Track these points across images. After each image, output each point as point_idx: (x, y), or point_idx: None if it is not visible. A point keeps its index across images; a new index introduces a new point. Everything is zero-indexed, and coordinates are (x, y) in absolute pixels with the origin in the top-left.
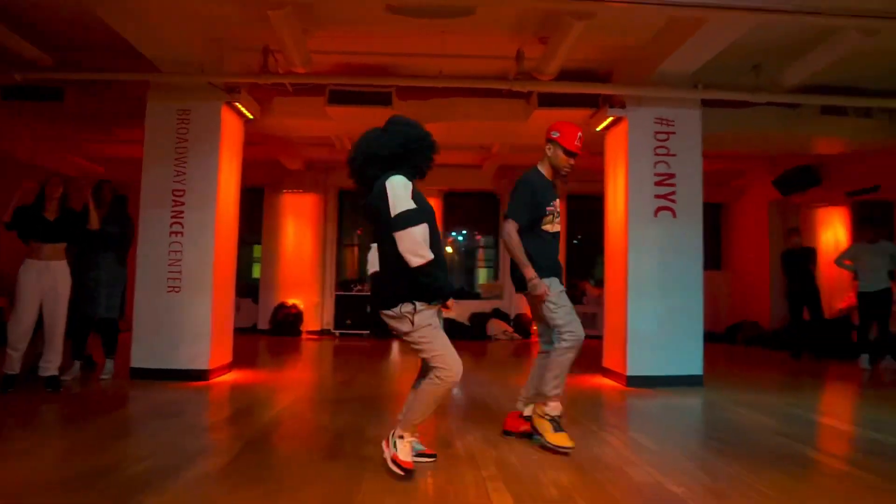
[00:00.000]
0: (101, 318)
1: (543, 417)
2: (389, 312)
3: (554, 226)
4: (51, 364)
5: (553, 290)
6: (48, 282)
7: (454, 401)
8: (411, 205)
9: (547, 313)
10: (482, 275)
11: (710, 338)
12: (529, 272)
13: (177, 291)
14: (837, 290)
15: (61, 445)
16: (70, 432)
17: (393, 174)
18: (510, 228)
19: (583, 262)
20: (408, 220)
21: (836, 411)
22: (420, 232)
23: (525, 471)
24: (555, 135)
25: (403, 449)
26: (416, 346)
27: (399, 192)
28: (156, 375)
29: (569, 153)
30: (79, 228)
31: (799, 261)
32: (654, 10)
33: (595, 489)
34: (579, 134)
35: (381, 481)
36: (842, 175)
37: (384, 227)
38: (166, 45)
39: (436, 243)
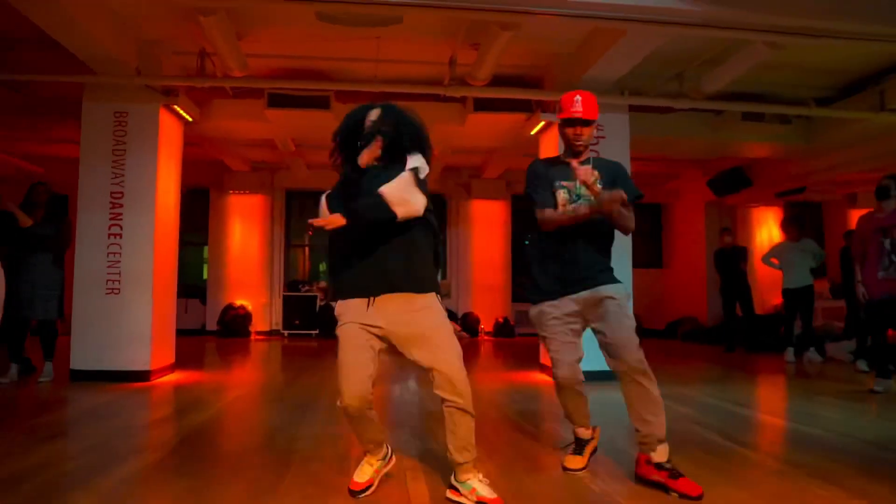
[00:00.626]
0: (38, 320)
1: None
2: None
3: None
4: None
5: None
6: None
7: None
8: None
9: None
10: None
11: (651, 333)
12: (582, 210)
13: (116, 293)
14: (771, 287)
15: (7, 440)
16: (18, 426)
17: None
18: (539, 215)
19: (526, 265)
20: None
21: (754, 401)
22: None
23: (445, 463)
24: (557, 113)
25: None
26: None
27: None
28: (96, 377)
29: (567, 122)
30: (6, 229)
31: (730, 259)
32: (575, 22)
33: (506, 475)
34: (576, 97)
35: (305, 474)
36: (771, 176)
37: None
38: (98, 45)
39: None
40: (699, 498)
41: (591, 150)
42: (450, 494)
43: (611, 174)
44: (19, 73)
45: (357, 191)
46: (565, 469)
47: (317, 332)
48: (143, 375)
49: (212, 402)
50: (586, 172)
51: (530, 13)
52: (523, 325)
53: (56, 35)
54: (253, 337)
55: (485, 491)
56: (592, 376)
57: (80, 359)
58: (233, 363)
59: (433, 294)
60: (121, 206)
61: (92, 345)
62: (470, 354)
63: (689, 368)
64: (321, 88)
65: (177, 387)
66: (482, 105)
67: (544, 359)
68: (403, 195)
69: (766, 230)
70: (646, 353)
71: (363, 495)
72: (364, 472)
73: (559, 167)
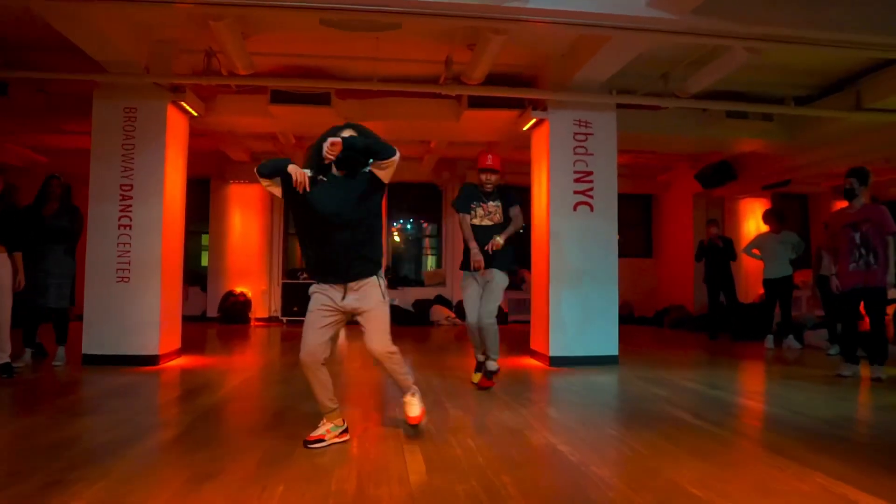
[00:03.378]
0: (51, 307)
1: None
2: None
3: (483, 220)
4: (2, 353)
5: (463, 281)
6: None
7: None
8: None
9: None
10: (429, 262)
11: (640, 321)
12: (471, 244)
13: (126, 281)
14: (757, 277)
15: (24, 423)
16: (30, 412)
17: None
18: (459, 218)
19: (522, 251)
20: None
21: (729, 385)
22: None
23: (438, 436)
24: (476, 162)
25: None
26: None
27: None
28: (107, 361)
29: (480, 170)
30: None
31: (715, 250)
32: (563, 29)
33: (496, 450)
34: (489, 155)
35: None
36: (757, 170)
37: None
38: (113, 48)
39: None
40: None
41: (580, 146)
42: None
43: (504, 201)
44: (38, 72)
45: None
46: (474, 384)
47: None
48: (151, 360)
49: (221, 384)
50: (494, 244)
51: (520, 21)
52: (515, 312)
53: (77, 40)
54: (253, 323)
55: (412, 410)
56: (577, 361)
57: (92, 344)
58: (235, 348)
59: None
60: (130, 198)
61: (103, 330)
62: (464, 340)
63: (674, 355)
64: (322, 87)
65: (185, 370)
66: (476, 102)
67: (535, 344)
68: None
69: (754, 221)
70: (636, 339)
71: (312, 446)
72: (318, 430)
73: (472, 194)
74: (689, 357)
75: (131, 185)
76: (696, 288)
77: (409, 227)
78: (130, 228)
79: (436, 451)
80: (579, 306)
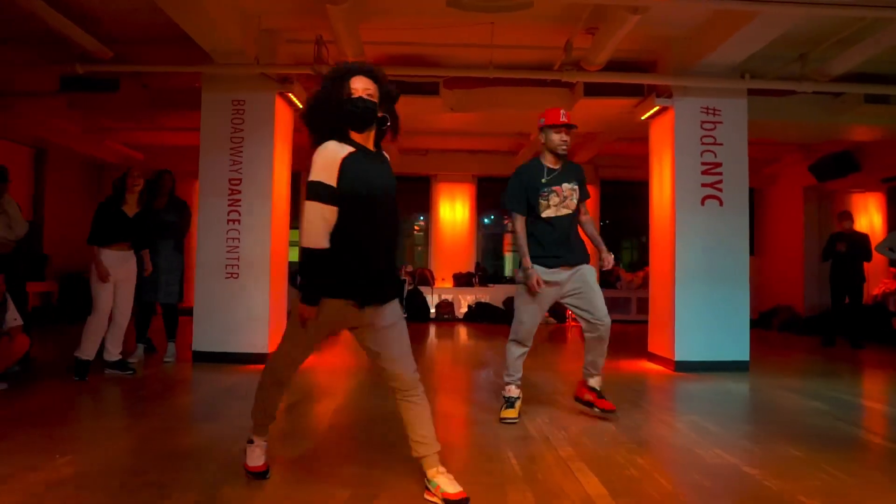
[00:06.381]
0: (161, 303)
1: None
2: None
3: (558, 210)
4: (118, 349)
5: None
6: (124, 272)
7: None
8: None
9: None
10: (511, 259)
11: None
12: (525, 261)
13: (235, 277)
14: (873, 276)
15: (148, 426)
16: (151, 414)
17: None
18: (512, 220)
19: (610, 247)
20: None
21: (882, 397)
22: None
23: (599, 450)
24: (541, 122)
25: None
26: None
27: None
28: (216, 358)
29: (556, 127)
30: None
31: (852, 246)
32: (706, 4)
33: (674, 472)
34: (562, 111)
35: (473, 462)
36: (879, 161)
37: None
38: (224, 37)
39: (367, 229)
40: (613, 412)
41: (708, 136)
42: (426, 495)
43: (579, 177)
44: (149, 65)
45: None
46: (502, 420)
47: (405, 315)
48: (260, 358)
49: (335, 389)
50: (608, 262)
51: None
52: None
53: (188, 28)
54: None
55: (448, 487)
56: (705, 367)
57: (202, 340)
58: (335, 347)
59: None
60: (239, 192)
61: (213, 327)
62: (557, 340)
63: (800, 361)
64: (433, 75)
65: None
66: (593, 90)
67: (654, 347)
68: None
69: (867, 217)
70: None
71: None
72: (259, 456)
73: (540, 173)
74: (821, 365)
75: (240, 180)
76: (808, 288)
77: (486, 221)
78: (239, 223)
79: (608, 470)
80: (708, 307)
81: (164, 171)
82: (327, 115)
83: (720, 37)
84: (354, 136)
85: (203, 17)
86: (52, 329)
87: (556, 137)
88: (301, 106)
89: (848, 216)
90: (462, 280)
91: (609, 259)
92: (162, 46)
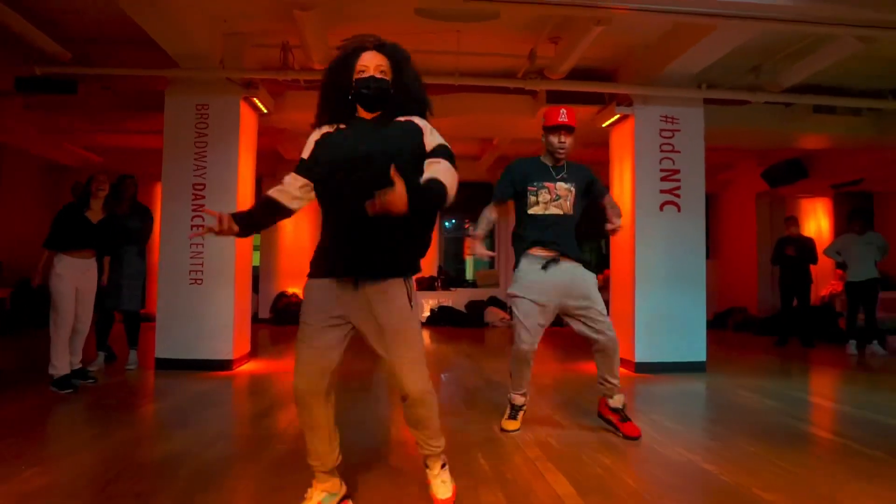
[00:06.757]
0: (123, 310)
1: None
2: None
3: (547, 207)
4: (78, 358)
5: (513, 289)
6: (85, 279)
7: (468, 391)
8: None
9: None
10: (475, 263)
11: None
12: (476, 233)
13: (199, 283)
14: (821, 278)
15: (119, 435)
16: (120, 423)
17: None
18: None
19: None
20: None
21: (846, 397)
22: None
23: (568, 452)
24: (543, 121)
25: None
26: None
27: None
28: (180, 366)
29: (553, 129)
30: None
31: (797, 250)
32: (667, 17)
33: (639, 470)
34: (562, 110)
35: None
36: (827, 168)
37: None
38: (188, 40)
39: (332, 203)
40: (637, 438)
41: (667, 143)
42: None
43: (582, 181)
44: (111, 68)
45: (365, 146)
46: (503, 430)
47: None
48: (225, 364)
49: None
50: (613, 226)
51: (626, 10)
52: None
53: (154, 33)
54: None
55: (442, 490)
56: (664, 367)
57: (165, 347)
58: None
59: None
60: (203, 197)
61: (176, 334)
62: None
63: (755, 360)
64: None
65: (258, 376)
66: (555, 98)
67: None
68: (454, 188)
69: (815, 221)
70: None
71: None
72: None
73: (534, 170)
74: (774, 364)
75: (204, 185)
76: (761, 289)
77: (449, 224)
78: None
79: (574, 469)
80: (666, 310)
81: (125, 177)
82: (339, 97)
83: (681, 48)
84: (363, 112)
85: (168, 21)
86: (6, 336)
87: (554, 140)
88: (266, 111)
89: (794, 221)
90: (424, 284)
91: (616, 223)
92: (124, 48)
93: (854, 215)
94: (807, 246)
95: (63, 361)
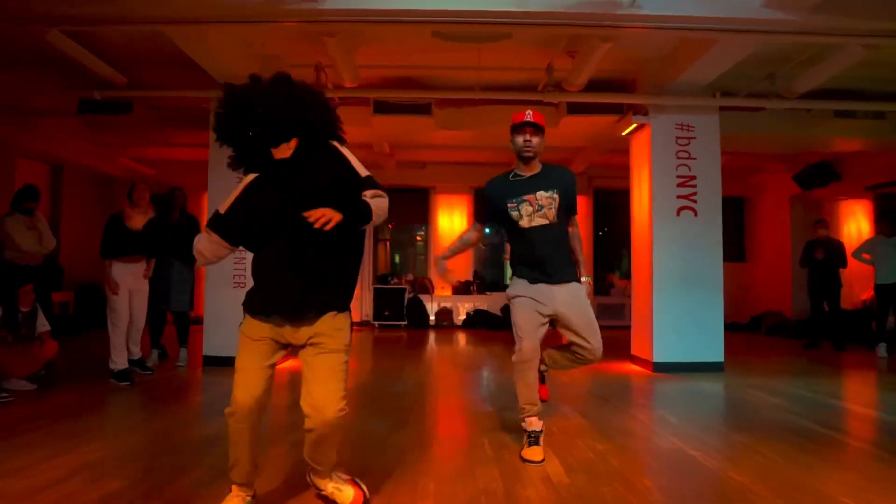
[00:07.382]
0: (173, 311)
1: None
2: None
3: (532, 220)
4: (137, 348)
5: (511, 291)
6: (137, 282)
7: (491, 387)
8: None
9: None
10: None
11: (734, 327)
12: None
13: (242, 287)
14: (858, 281)
15: (168, 420)
16: (170, 410)
17: None
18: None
19: (608, 255)
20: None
21: (854, 396)
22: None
23: (566, 440)
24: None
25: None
26: None
27: None
28: (226, 363)
29: (517, 127)
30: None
31: (826, 252)
32: (669, 33)
33: (626, 453)
34: (528, 111)
35: (454, 447)
36: (861, 170)
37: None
38: (227, 63)
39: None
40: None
41: (683, 151)
42: None
43: (561, 187)
44: (155, 90)
45: (289, 186)
46: (525, 460)
47: (405, 323)
48: None
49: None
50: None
51: (633, 28)
52: (604, 318)
53: (195, 56)
54: None
55: (344, 497)
56: (682, 367)
57: (212, 346)
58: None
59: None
60: None
61: (221, 334)
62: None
63: (778, 363)
64: (425, 97)
65: (295, 371)
66: (576, 108)
67: (636, 349)
68: (380, 217)
69: (855, 223)
70: (732, 345)
71: None
72: None
73: (507, 186)
74: (796, 366)
75: None
76: (795, 293)
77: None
78: None
79: (569, 454)
80: (684, 312)
81: (175, 188)
82: (243, 145)
83: (689, 60)
84: (276, 152)
85: (206, 46)
86: (70, 336)
87: (519, 140)
88: None
89: (824, 224)
90: (460, 288)
91: (585, 285)
92: (171, 69)
93: (883, 217)
94: (836, 249)
95: (121, 357)
